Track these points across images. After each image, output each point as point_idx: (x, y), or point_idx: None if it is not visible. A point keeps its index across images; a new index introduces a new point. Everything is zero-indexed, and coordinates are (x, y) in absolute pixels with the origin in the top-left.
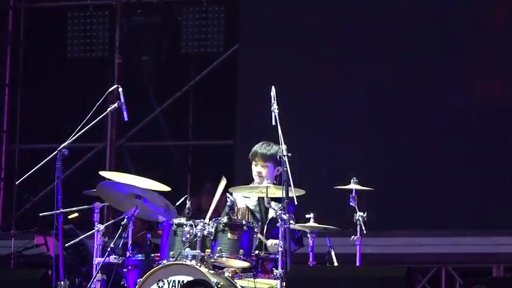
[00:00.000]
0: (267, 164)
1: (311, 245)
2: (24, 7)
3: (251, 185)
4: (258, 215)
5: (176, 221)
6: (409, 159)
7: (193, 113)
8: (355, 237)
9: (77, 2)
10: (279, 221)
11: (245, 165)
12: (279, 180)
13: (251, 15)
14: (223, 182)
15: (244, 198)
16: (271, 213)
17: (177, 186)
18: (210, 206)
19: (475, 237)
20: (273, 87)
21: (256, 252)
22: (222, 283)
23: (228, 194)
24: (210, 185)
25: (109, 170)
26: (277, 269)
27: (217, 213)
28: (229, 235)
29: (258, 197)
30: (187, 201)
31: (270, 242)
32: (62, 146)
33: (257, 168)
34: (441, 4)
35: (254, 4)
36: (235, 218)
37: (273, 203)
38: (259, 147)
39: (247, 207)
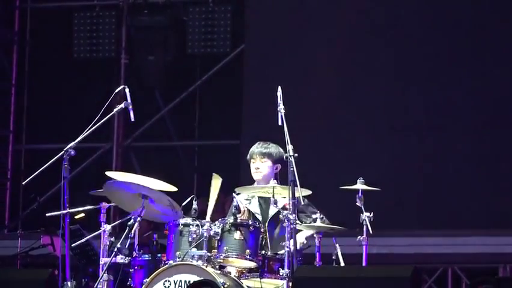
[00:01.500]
0: (264, 159)
1: (318, 245)
2: (30, 7)
3: (255, 185)
4: (259, 217)
5: (182, 221)
6: (416, 159)
7: (199, 113)
8: (361, 237)
9: (84, 2)
10: (286, 221)
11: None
12: (280, 179)
13: (257, 16)
14: (217, 180)
15: (245, 201)
16: (271, 213)
17: (183, 186)
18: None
19: (481, 237)
20: (279, 87)
21: (263, 252)
22: (228, 283)
23: (234, 194)
24: None
25: (116, 170)
26: (283, 269)
27: (223, 213)
28: (235, 235)
29: (259, 198)
30: (194, 201)
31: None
32: (69, 146)
33: (255, 165)
34: (447, 5)
35: (260, 4)
36: (242, 218)
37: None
38: (256, 146)
39: (248, 209)
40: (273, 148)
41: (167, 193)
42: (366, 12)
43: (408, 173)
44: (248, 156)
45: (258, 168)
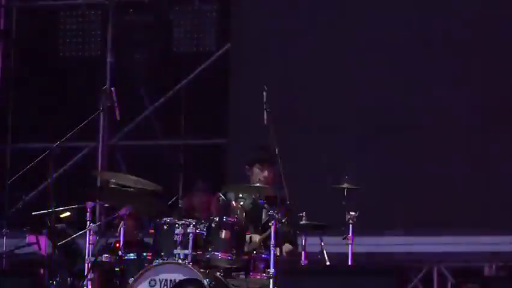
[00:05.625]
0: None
1: (303, 243)
2: (16, 6)
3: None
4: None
5: (168, 220)
6: (401, 158)
7: (185, 112)
8: (347, 237)
9: (70, 1)
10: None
11: (237, 164)
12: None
13: (243, 15)
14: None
15: (239, 199)
16: (265, 217)
17: (169, 185)
18: (201, 205)
19: (467, 236)
20: (265, 86)
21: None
22: (213, 282)
23: (220, 194)
24: (201, 183)
25: (101, 170)
26: (269, 268)
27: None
28: (221, 234)
29: (253, 198)
30: (179, 200)
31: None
32: (55, 145)
33: (264, 174)
34: (433, 9)
35: (246, 3)
36: (228, 217)
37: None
38: (264, 153)
39: (243, 207)
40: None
41: (154, 192)
42: (354, 12)
43: (393, 172)
44: (258, 160)
45: (267, 178)
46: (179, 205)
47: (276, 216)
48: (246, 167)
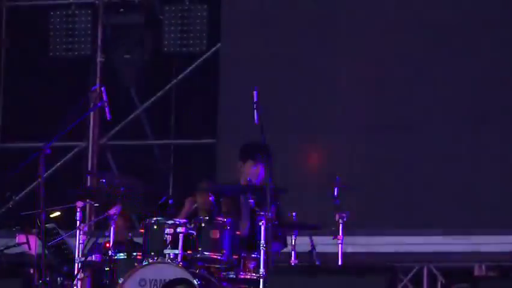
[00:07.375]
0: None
1: (293, 243)
2: (6, 6)
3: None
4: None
5: (158, 220)
6: (392, 158)
7: (175, 112)
8: (337, 236)
9: (60, 1)
10: (261, 220)
11: (227, 164)
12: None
13: (233, 15)
14: None
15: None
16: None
17: (159, 185)
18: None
19: (456, 236)
20: (255, 86)
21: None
22: (203, 282)
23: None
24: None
25: (91, 169)
26: (259, 267)
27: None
28: (211, 234)
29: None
30: (169, 200)
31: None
32: (45, 145)
33: (258, 170)
34: (422, 6)
35: (236, 3)
36: (219, 216)
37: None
38: (261, 147)
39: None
40: None
41: (144, 189)
42: (342, 12)
43: (385, 173)
44: (253, 156)
45: (259, 174)
46: (169, 205)
47: (266, 215)
48: (240, 162)
